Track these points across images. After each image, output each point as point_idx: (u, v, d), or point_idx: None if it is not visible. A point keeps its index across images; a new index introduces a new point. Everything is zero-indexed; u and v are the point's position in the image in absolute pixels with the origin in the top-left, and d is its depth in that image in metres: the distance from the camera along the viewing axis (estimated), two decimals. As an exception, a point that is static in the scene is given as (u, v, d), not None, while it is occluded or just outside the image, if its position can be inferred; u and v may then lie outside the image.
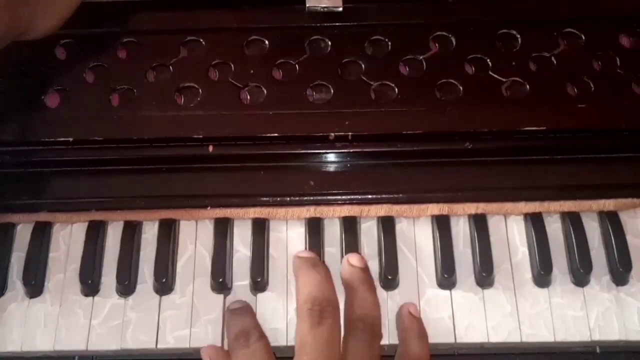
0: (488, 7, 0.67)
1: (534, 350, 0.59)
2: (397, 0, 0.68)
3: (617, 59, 0.64)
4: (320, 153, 0.62)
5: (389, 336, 0.57)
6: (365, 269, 0.57)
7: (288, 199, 0.61)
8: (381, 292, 0.59)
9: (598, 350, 0.58)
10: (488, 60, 0.64)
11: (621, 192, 0.61)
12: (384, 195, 0.61)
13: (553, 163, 0.62)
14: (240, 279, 0.59)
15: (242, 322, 0.56)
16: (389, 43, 0.65)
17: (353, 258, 0.58)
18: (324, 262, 0.59)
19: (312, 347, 0.52)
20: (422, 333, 0.56)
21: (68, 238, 0.61)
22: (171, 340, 0.58)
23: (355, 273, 0.57)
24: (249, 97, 0.63)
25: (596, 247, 0.60)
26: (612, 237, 0.59)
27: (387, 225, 0.61)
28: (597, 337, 0.57)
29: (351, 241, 0.60)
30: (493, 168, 0.62)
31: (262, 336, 0.55)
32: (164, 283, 0.59)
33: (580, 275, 0.59)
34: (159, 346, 0.58)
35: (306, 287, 0.55)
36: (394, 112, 0.62)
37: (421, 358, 0.55)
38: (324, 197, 0.61)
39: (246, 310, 0.57)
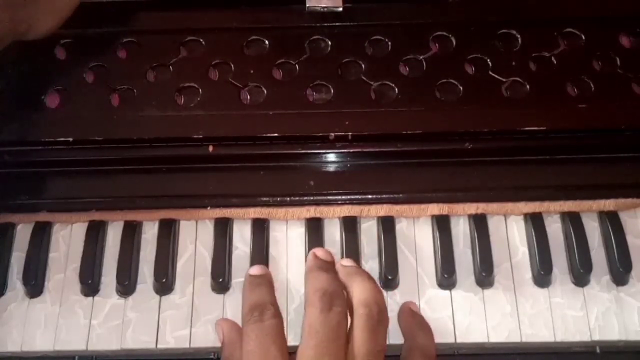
0: (488, 7, 0.67)
1: (534, 350, 0.59)
2: (397, 0, 0.68)
3: (617, 59, 0.64)
4: (320, 153, 0.62)
5: (390, 336, 0.57)
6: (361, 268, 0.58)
7: (288, 199, 0.61)
8: (381, 292, 0.59)
9: (598, 350, 0.58)
10: (488, 60, 0.64)
11: (621, 192, 0.61)
12: (384, 195, 0.61)
13: (553, 163, 0.62)
14: (241, 279, 0.59)
15: (260, 293, 0.56)
16: (389, 43, 0.65)
17: (345, 261, 0.58)
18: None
19: (320, 331, 0.52)
20: (426, 326, 0.57)
21: (68, 238, 0.61)
22: (171, 340, 0.58)
23: (350, 269, 0.57)
24: (249, 97, 0.63)
25: (596, 247, 0.60)
26: (612, 237, 0.59)
27: (387, 225, 0.60)
28: (597, 337, 0.57)
29: (351, 241, 0.60)
30: (493, 168, 0.62)
31: (278, 314, 0.55)
32: (164, 283, 0.59)
33: (580, 275, 0.59)
34: (159, 346, 0.58)
35: (318, 281, 0.55)
36: (394, 112, 0.62)
37: (430, 348, 0.55)
38: (324, 197, 0.61)
39: (266, 281, 0.57)
